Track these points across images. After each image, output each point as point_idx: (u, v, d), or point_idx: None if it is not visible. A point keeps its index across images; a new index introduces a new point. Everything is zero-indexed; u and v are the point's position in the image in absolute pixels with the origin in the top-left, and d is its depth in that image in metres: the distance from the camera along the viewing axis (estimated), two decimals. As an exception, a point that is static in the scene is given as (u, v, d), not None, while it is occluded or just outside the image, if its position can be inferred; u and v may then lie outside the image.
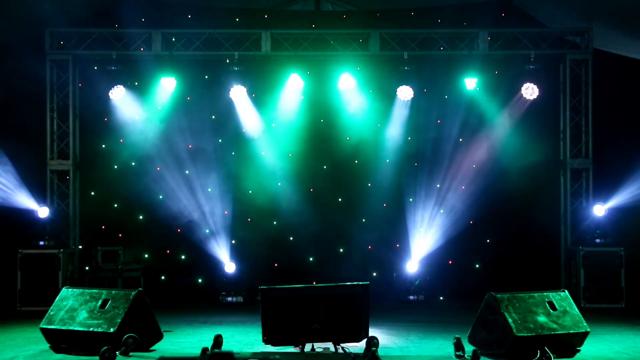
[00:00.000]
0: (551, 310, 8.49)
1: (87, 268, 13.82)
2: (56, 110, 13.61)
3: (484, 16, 13.76)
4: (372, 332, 8.80)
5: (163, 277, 14.19)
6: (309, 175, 14.43)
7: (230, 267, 13.69)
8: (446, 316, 12.04)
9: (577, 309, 8.70)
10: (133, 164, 14.00)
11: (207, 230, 14.01)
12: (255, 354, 7.10)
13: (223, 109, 14.14)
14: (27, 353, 8.82)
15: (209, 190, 14.15)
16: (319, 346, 8.68)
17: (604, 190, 13.39)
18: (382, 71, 14.10)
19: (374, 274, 14.16)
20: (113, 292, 8.97)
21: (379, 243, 14.22)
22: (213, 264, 13.83)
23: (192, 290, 13.99)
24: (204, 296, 13.82)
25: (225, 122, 14.23)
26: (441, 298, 13.90)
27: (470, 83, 13.62)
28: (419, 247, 13.95)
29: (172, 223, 13.95)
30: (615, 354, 8.78)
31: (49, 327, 8.80)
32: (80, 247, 13.82)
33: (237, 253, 13.95)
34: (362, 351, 8.43)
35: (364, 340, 8.58)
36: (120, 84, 13.62)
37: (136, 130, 13.89)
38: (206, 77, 14.15)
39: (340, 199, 14.55)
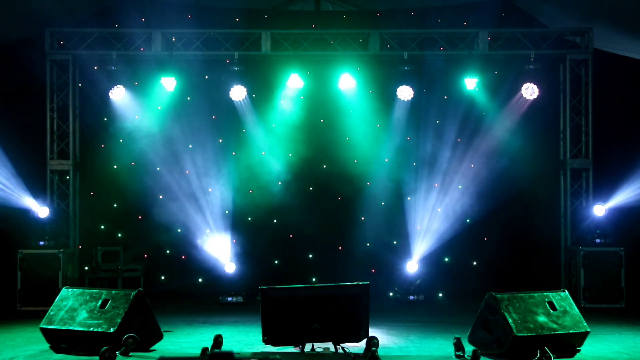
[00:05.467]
0: (551, 310, 8.50)
1: (87, 268, 13.83)
2: (56, 110, 13.62)
3: (484, 16, 13.77)
4: (372, 332, 8.80)
5: (163, 277, 14.20)
6: (308, 174, 14.45)
7: (230, 267, 13.70)
8: (446, 316, 12.04)
9: (577, 309, 8.70)
10: (133, 164, 14.00)
11: (208, 230, 14.02)
12: (255, 354, 7.12)
13: (223, 109, 14.16)
14: (27, 353, 8.82)
15: (209, 190, 14.16)
16: (319, 346, 8.68)
17: (604, 190, 13.39)
18: (382, 71, 14.12)
19: (373, 271, 14.18)
20: (113, 292, 8.97)
21: (377, 241, 14.24)
22: (213, 264, 13.83)
23: (192, 290, 13.99)
24: (204, 296, 13.82)
25: (225, 122, 14.25)
26: (440, 295, 13.92)
27: (470, 83, 13.63)
28: (417, 246, 13.98)
29: (172, 223, 13.95)
30: (615, 354, 8.78)
31: (49, 327, 8.80)
32: (80, 247, 13.82)
33: (237, 253, 13.96)
34: (362, 351, 8.44)
35: (364, 340, 8.58)
36: (120, 84, 13.65)
37: (136, 130, 13.89)
38: (206, 77, 14.16)
39: (339, 198, 14.56)
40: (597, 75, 13.60)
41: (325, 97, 14.25)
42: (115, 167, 14.08)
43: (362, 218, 14.44)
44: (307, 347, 8.64)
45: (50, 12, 12.71)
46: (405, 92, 13.81)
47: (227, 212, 14.20)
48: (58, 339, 8.86)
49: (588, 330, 8.55)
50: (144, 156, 13.94)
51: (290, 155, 14.39)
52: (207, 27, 13.66)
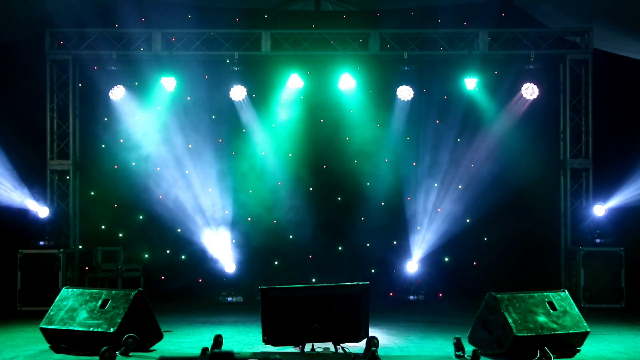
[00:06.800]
0: (551, 310, 8.49)
1: (87, 268, 13.83)
2: (56, 110, 13.61)
3: (484, 16, 13.78)
4: (372, 332, 8.80)
5: (163, 277, 14.19)
6: (308, 174, 14.46)
7: (230, 267, 13.70)
8: (446, 316, 12.03)
9: (577, 309, 8.70)
10: (133, 164, 13.98)
11: (207, 230, 14.01)
12: (255, 354, 7.08)
13: (223, 109, 14.16)
14: (27, 353, 8.82)
15: (209, 190, 14.15)
16: (319, 346, 8.67)
17: (604, 190, 13.39)
18: (382, 71, 14.12)
19: (373, 271, 14.18)
20: (113, 292, 8.97)
21: (377, 241, 14.27)
22: (213, 264, 13.83)
23: (192, 290, 13.99)
24: (204, 296, 13.82)
25: (225, 122, 14.25)
26: (440, 295, 13.93)
27: (470, 83, 13.63)
28: (417, 246, 13.98)
29: (172, 223, 13.94)
30: (615, 354, 8.78)
31: (49, 327, 8.79)
32: (80, 247, 13.82)
33: (237, 253, 13.96)
34: (362, 351, 8.43)
35: (364, 340, 8.58)
36: (120, 84, 13.66)
37: (136, 130, 13.88)
38: (206, 77, 14.15)
39: (339, 198, 14.58)
40: (597, 75, 13.60)
41: (325, 97, 14.25)
42: (115, 167, 14.07)
43: (362, 218, 14.45)
44: (307, 347, 8.64)
45: (50, 12, 12.70)
46: (405, 92, 13.81)
47: (227, 212, 14.20)
48: (58, 339, 8.86)
49: (588, 330, 8.55)
50: (144, 156, 13.93)
51: (290, 155, 14.40)
52: (207, 27, 13.66)
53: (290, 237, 14.37)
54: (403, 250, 14.14)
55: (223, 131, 14.29)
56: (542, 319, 8.36)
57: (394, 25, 14.00)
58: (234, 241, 14.12)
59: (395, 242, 14.38)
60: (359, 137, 14.27)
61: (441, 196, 14.19)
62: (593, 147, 13.63)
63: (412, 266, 13.74)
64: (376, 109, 14.25)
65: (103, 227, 14.20)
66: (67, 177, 13.68)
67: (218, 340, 8.67)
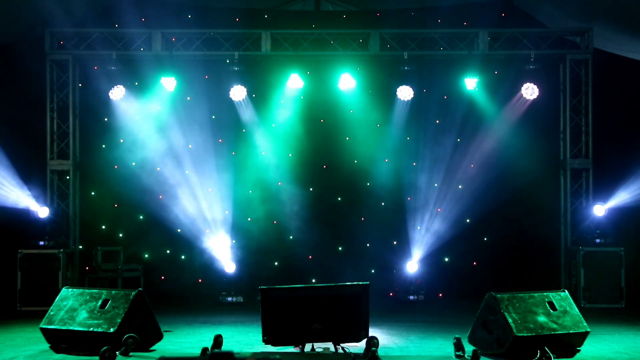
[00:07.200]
0: (551, 310, 8.49)
1: (87, 268, 13.83)
2: (56, 110, 13.62)
3: (484, 16, 13.78)
4: (372, 332, 8.80)
5: (163, 277, 14.19)
6: (308, 175, 14.46)
7: (230, 267, 13.71)
8: (446, 316, 12.03)
9: (577, 309, 8.70)
10: (133, 164, 13.98)
11: (207, 230, 14.02)
12: (255, 354, 7.08)
13: (223, 109, 14.16)
14: (27, 353, 8.82)
15: (209, 190, 14.15)
16: (319, 346, 8.68)
17: (604, 190, 13.40)
18: (382, 71, 14.13)
19: (373, 271, 14.19)
20: (113, 292, 8.97)
21: (377, 241, 14.27)
22: (213, 264, 13.83)
23: (192, 290, 13.99)
24: (204, 296, 13.83)
25: (225, 122, 14.25)
26: (440, 295, 13.93)
27: (470, 83, 13.63)
28: (417, 246, 13.99)
29: (172, 223, 13.94)
30: (615, 354, 8.78)
31: (49, 327, 8.80)
32: (80, 247, 13.82)
33: (237, 253, 13.96)
34: (362, 351, 8.44)
35: (364, 340, 8.59)
36: (120, 84, 13.65)
37: (136, 130, 13.88)
38: (206, 77, 14.15)
39: (339, 198, 14.59)
40: (597, 75, 13.60)
41: (325, 97, 14.25)
42: (115, 167, 14.07)
43: (362, 218, 14.46)
44: (307, 347, 8.64)
45: (50, 12, 12.70)
46: (405, 92, 13.81)
47: (227, 212, 14.20)
48: (58, 339, 8.86)
49: (588, 330, 8.55)
50: (144, 156, 13.93)
51: (290, 155, 14.40)
52: (207, 27, 13.66)
53: (291, 237, 14.38)
54: (403, 250, 14.14)
55: (223, 131, 14.28)
56: (542, 319, 8.36)
57: (394, 25, 14.00)
58: (234, 241, 14.11)
59: (395, 242, 14.39)
60: (359, 137, 14.27)
61: (441, 196, 14.20)
62: (593, 147, 13.63)
63: (412, 266, 13.75)
64: (376, 109, 14.25)
65: (103, 227, 14.21)
66: (67, 177, 13.68)
67: (218, 340, 8.67)
